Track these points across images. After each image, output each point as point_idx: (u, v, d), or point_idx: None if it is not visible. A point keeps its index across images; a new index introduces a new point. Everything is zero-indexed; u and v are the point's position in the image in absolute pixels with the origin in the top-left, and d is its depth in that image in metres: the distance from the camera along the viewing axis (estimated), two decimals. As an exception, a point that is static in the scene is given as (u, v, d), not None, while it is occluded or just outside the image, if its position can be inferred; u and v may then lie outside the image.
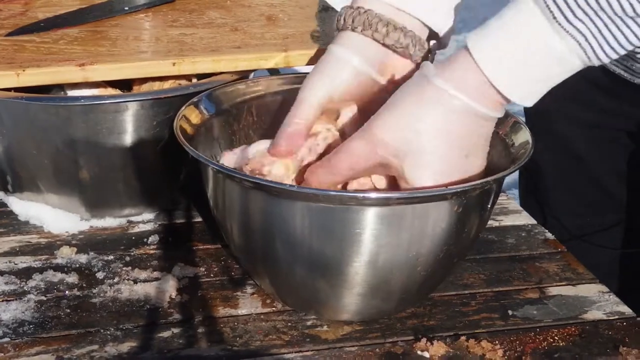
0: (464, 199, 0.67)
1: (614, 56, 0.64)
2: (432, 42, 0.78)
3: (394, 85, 0.75)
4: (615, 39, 0.63)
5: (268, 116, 0.85)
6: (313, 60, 0.88)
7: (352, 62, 0.75)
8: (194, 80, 0.89)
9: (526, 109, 1.15)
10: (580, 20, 0.62)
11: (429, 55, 0.77)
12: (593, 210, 1.11)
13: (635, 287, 1.10)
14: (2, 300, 0.75)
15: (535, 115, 1.09)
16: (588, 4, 0.62)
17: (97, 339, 0.71)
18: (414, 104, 0.67)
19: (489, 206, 0.71)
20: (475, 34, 0.66)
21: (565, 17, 0.62)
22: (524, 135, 0.74)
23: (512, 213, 0.94)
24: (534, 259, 0.85)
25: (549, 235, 0.89)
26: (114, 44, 0.90)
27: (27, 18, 0.98)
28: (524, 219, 0.93)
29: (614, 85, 0.98)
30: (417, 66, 0.77)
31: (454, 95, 0.66)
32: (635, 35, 0.63)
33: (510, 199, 0.97)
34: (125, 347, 0.70)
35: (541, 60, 0.64)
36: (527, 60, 0.64)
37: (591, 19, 0.62)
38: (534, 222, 0.92)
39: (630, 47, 0.64)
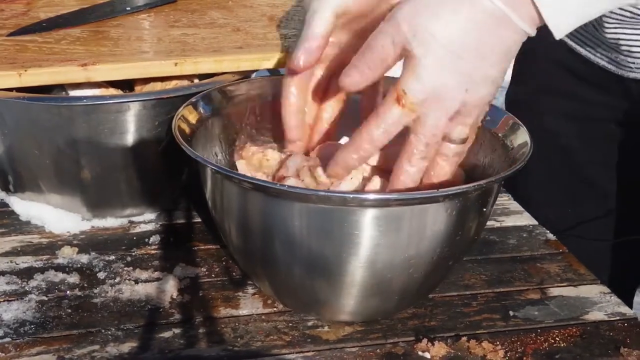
0: (463, 201, 0.67)
1: None
2: None
3: None
4: None
5: (269, 116, 0.85)
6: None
7: None
8: (196, 81, 0.89)
9: (507, 101, 1.15)
10: None
11: None
12: (577, 201, 1.11)
13: (624, 276, 1.11)
14: (4, 300, 0.75)
15: (519, 106, 1.08)
16: None
17: (98, 339, 0.71)
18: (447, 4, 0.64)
19: (486, 208, 0.71)
20: None
21: None
22: (522, 137, 0.73)
23: (513, 214, 0.94)
24: (535, 259, 0.85)
25: (550, 236, 0.89)
26: (116, 44, 0.90)
27: (29, 18, 0.99)
28: (525, 219, 0.93)
29: (599, 78, 0.98)
30: None
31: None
32: None
33: (511, 200, 0.97)
34: (126, 347, 0.70)
35: None
36: None
37: None
38: (536, 222, 0.92)
39: None
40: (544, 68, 1.07)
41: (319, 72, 0.77)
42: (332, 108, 0.79)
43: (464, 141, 0.67)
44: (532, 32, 0.65)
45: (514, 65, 1.13)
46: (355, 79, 0.68)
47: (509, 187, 1.18)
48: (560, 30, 0.64)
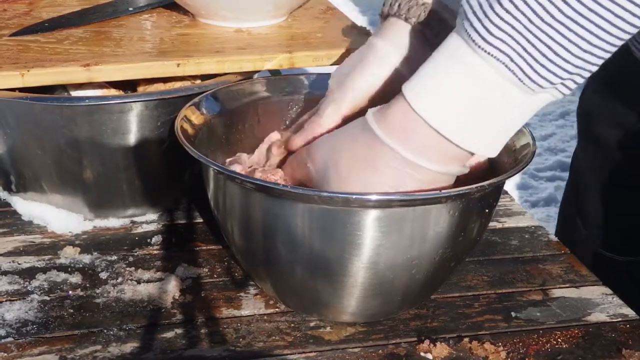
0: (465, 202, 0.67)
1: (554, 79, 0.58)
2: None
3: None
4: (542, 54, 0.56)
5: (270, 116, 0.85)
6: (317, 61, 0.88)
7: (393, 58, 0.72)
8: (198, 82, 0.89)
9: (579, 115, 1.09)
10: (497, 37, 0.57)
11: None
12: (628, 219, 1.06)
13: None
14: (6, 300, 0.75)
15: (582, 117, 1.06)
16: (499, 16, 0.55)
17: (100, 339, 0.71)
18: (344, 136, 0.68)
19: (488, 210, 0.71)
20: (410, 81, 0.63)
21: (483, 38, 0.57)
22: (525, 138, 0.73)
23: (515, 215, 0.94)
24: (537, 260, 0.85)
25: (552, 237, 0.89)
26: (118, 44, 0.90)
27: (31, 18, 0.99)
28: (528, 220, 0.93)
29: None
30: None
31: (395, 151, 0.64)
32: (563, 46, 0.56)
33: (513, 201, 0.97)
34: (128, 347, 0.70)
35: (479, 93, 0.59)
36: (467, 97, 0.60)
37: (508, 34, 0.56)
38: (538, 223, 0.92)
39: (567, 66, 0.57)
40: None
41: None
42: None
43: None
44: (458, 171, 0.66)
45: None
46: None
47: (565, 201, 1.12)
48: (490, 149, 0.64)
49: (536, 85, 0.58)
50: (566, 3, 0.55)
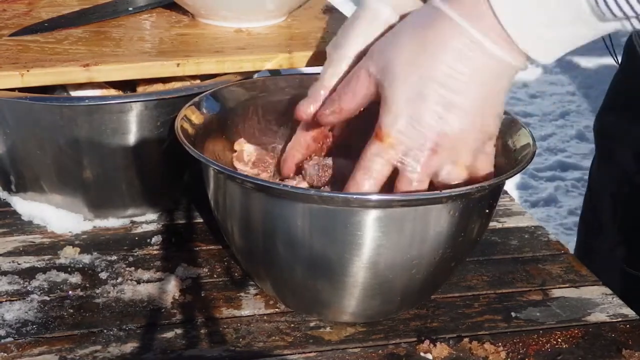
0: (466, 203, 0.67)
1: (627, 9, 0.58)
2: None
3: None
4: None
5: (271, 115, 0.85)
6: (317, 61, 0.88)
7: (385, 15, 0.72)
8: (197, 82, 0.89)
9: (596, 133, 1.09)
10: None
11: None
12: None
13: None
14: (6, 300, 0.75)
15: (600, 135, 1.05)
16: None
17: (100, 340, 0.71)
18: (411, 28, 0.65)
19: (489, 210, 0.71)
20: None
21: None
22: (525, 138, 0.73)
23: (515, 215, 0.94)
24: (537, 260, 0.85)
25: (552, 237, 0.89)
26: (117, 44, 0.90)
27: (31, 18, 0.99)
28: (527, 220, 0.93)
29: None
30: None
31: (466, 30, 0.63)
32: None
33: (512, 201, 0.97)
34: (128, 347, 0.70)
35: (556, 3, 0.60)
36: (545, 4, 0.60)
37: None
38: (537, 223, 0.92)
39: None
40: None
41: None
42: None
43: (455, 181, 0.67)
44: (511, 60, 0.64)
45: (608, 92, 1.05)
46: (327, 113, 0.70)
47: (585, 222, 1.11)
48: (545, 55, 0.64)
49: (608, 11, 0.59)
50: None
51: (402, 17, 0.71)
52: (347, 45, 0.73)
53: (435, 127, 0.64)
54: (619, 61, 1.04)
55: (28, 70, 0.81)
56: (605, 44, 1.04)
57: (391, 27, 0.71)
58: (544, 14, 0.61)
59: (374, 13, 0.73)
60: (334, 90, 0.72)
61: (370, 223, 0.65)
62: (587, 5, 0.60)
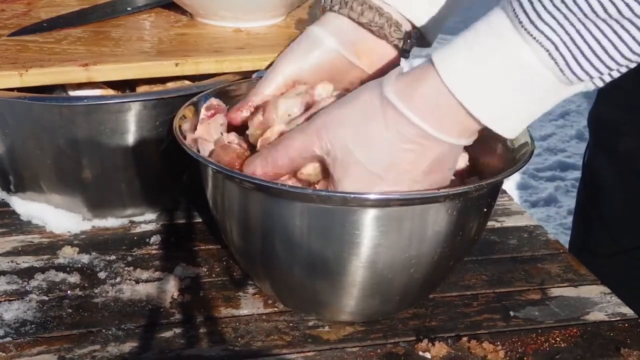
0: (464, 202, 0.67)
1: (594, 73, 0.57)
2: (412, 30, 0.77)
3: (371, 68, 0.75)
4: (590, 48, 0.55)
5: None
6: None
7: (326, 42, 0.75)
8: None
9: (591, 120, 1.09)
10: (547, 24, 0.55)
11: (408, 41, 0.76)
12: None
13: None
14: (4, 300, 0.75)
15: (601, 127, 1.05)
16: (553, 4, 0.54)
17: (99, 339, 0.71)
18: (361, 115, 0.64)
19: (487, 209, 0.71)
20: (442, 51, 0.61)
21: (531, 21, 0.56)
22: (523, 137, 0.73)
23: (514, 214, 0.94)
24: (535, 260, 0.85)
25: (551, 236, 0.89)
26: (116, 44, 0.90)
27: (30, 18, 0.99)
28: (526, 220, 0.93)
29: None
30: (397, 49, 0.77)
31: (410, 120, 0.62)
32: (613, 44, 0.55)
33: (511, 200, 0.97)
34: (127, 347, 0.70)
35: (517, 77, 0.58)
36: (503, 79, 0.58)
37: (559, 23, 0.55)
38: (536, 223, 0.92)
39: (611, 63, 0.56)
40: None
41: None
42: None
43: None
44: (462, 142, 0.64)
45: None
46: (258, 170, 0.68)
47: (581, 208, 1.10)
48: (512, 130, 0.63)
49: (575, 77, 0.57)
50: (626, 3, 0.53)
51: (343, 44, 0.75)
52: (281, 73, 0.75)
53: None
54: None
55: (27, 70, 0.81)
56: None
57: (332, 55, 0.75)
58: (512, 98, 0.60)
59: (314, 41, 0.76)
60: (257, 109, 0.74)
61: (368, 222, 0.65)
62: (552, 75, 0.58)
